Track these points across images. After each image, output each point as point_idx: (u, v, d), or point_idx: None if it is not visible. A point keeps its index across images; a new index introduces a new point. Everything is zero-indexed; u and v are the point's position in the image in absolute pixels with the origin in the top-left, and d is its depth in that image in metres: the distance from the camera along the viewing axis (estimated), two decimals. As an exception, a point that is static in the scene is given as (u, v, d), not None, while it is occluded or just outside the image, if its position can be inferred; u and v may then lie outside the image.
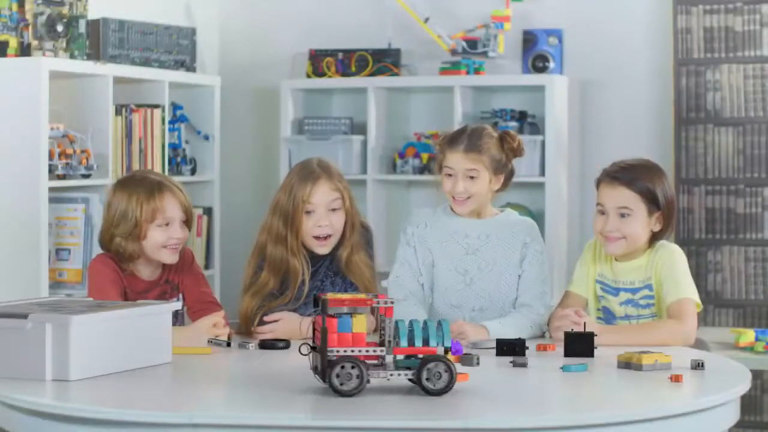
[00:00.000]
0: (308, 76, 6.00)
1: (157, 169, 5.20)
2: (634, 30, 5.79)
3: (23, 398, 2.83)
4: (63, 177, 4.80)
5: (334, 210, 3.81)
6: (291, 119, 5.98)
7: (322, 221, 3.79)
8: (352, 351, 2.84)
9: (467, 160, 3.76)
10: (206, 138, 5.70)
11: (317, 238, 3.81)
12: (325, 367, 2.83)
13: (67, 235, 4.85)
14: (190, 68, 5.55)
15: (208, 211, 5.71)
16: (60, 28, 4.78)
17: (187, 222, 3.77)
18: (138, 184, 3.73)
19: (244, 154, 6.29)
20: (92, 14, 5.01)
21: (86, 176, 4.88)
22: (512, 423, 2.66)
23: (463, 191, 3.77)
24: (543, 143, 5.63)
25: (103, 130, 4.97)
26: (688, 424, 2.83)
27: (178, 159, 5.53)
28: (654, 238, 3.77)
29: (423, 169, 5.78)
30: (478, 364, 2.93)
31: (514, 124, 5.67)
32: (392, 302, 2.89)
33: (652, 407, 2.81)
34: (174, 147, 5.51)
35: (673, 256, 3.75)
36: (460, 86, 5.71)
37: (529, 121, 5.74)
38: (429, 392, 2.82)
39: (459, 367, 2.87)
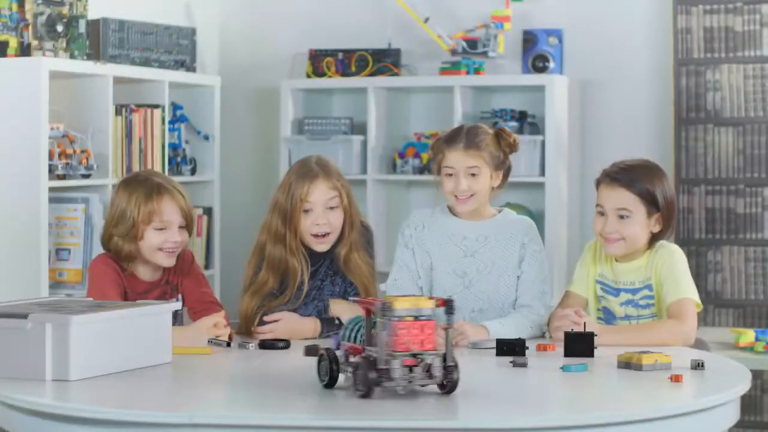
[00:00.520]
0: (308, 76, 6.00)
1: (157, 169, 5.20)
2: (634, 30, 5.79)
3: (23, 398, 2.83)
4: (63, 177, 4.80)
5: (332, 208, 3.81)
6: (291, 119, 5.98)
7: (320, 219, 3.79)
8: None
9: (468, 158, 3.76)
10: (206, 138, 5.70)
11: (315, 236, 3.81)
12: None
13: (67, 235, 4.85)
14: (190, 68, 5.55)
15: (208, 211, 5.71)
16: (60, 28, 4.79)
17: (188, 227, 3.76)
18: (139, 185, 3.73)
19: (244, 154, 6.29)
20: (92, 14, 5.01)
21: (86, 176, 4.88)
22: (512, 423, 2.66)
23: (467, 189, 3.76)
24: (543, 143, 5.63)
25: (103, 130, 4.97)
26: (688, 424, 2.83)
27: (178, 159, 5.53)
28: (654, 238, 3.77)
29: (423, 169, 5.78)
30: None
31: (514, 124, 5.67)
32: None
33: (652, 407, 2.81)
34: (174, 147, 5.51)
35: (673, 257, 3.75)
36: (460, 86, 5.71)
37: (529, 121, 5.74)
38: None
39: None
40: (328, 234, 3.82)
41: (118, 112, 5.08)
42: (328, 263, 3.86)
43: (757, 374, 4.71)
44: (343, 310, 3.75)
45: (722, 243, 5.56)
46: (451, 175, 3.78)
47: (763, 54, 5.52)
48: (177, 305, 3.51)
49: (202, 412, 2.75)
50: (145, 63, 5.31)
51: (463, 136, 3.78)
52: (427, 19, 5.84)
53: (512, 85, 5.81)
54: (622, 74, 5.81)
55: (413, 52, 6.01)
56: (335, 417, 2.69)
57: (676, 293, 3.69)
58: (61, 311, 3.04)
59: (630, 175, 3.74)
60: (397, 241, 3.91)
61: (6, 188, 4.67)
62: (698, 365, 3.19)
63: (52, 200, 4.73)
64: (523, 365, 3.25)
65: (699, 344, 3.73)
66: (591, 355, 3.38)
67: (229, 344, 3.56)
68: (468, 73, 5.75)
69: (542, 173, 5.63)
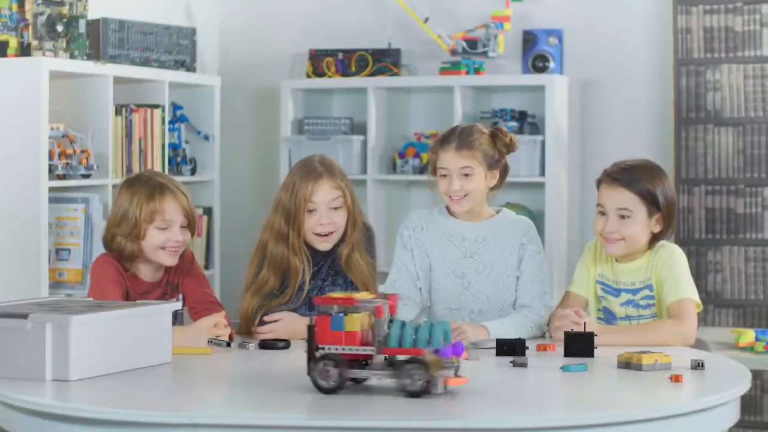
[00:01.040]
0: (308, 76, 6.00)
1: (157, 169, 5.20)
2: (634, 30, 5.79)
3: (23, 398, 2.83)
4: (63, 177, 4.80)
5: (335, 208, 3.81)
6: (291, 119, 5.98)
7: (323, 219, 3.79)
8: (337, 349, 2.84)
9: (460, 158, 3.76)
10: (206, 138, 5.70)
11: (318, 235, 3.81)
12: (309, 364, 2.84)
13: (67, 235, 4.85)
14: (190, 68, 5.55)
15: (208, 211, 5.71)
16: (60, 28, 4.79)
17: (190, 227, 3.77)
18: (142, 184, 3.74)
19: (244, 154, 6.29)
20: (92, 14, 5.01)
21: (86, 176, 4.88)
22: (512, 423, 2.66)
23: (459, 189, 3.76)
24: (543, 143, 5.63)
25: (103, 130, 4.97)
26: (688, 424, 2.83)
27: (178, 159, 5.53)
28: (654, 239, 3.77)
29: (423, 169, 5.78)
30: (477, 359, 2.95)
31: (514, 124, 5.67)
32: (385, 300, 2.89)
33: (652, 407, 2.81)
34: (174, 147, 5.51)
35: (674, 256, 3.75)
36: (460, 86, 5.71)
37: (529, 121, 5.74)
38: (406, 392, 2.80)
39: (463, 369, 2.86)
40: (332, 233, 3.82)
41: (118, 112, 5.08)
42: (330, 263, 3.86)
43: (757, 374, 4.71)
44: None
45: (722, 243, 5.56)
46: (445, 175, 3.78)
47: (763, 54, 5.52)
48: (177, 305, 3.51)
49: (202, 412, 2.75)
50: (145, 63, 5.31)
51: (455, 137, 3.78)
52: (427, 19, 5.84)
53: (512, 85, 5.81)
54: (622, 74, 5.81)
55: (413, 52, 6.01)
56: (335, 417, 2.68)
57: (676, 293, 3.69)
58: (61, 311, 3.04)
59: (631, 175, 3.74)
60: (395, 241, 3.91)
61: (6, 188, 4.67)
62: (698, 365, 3.19)
63: (52, 200, 4.73)
64: (523, 365, 3.25)
65: (699, 344, 3.73)
66: (591, 355, 3.38)
67: (229, 344, 3.56)
68: (468, 73, 5.75)
69: (542, 173, 5.63)
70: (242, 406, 2.82)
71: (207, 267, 5.66)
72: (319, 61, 5.97)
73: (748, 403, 5.32)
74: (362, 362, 2.85)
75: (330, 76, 5.94)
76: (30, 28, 4.74)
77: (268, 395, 2.90)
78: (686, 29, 5.59)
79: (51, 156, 4.72)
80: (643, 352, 3.20)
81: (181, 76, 5.47)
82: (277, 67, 6.21)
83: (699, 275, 5.43)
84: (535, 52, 5.77)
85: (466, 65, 5.75)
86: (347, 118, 5.94)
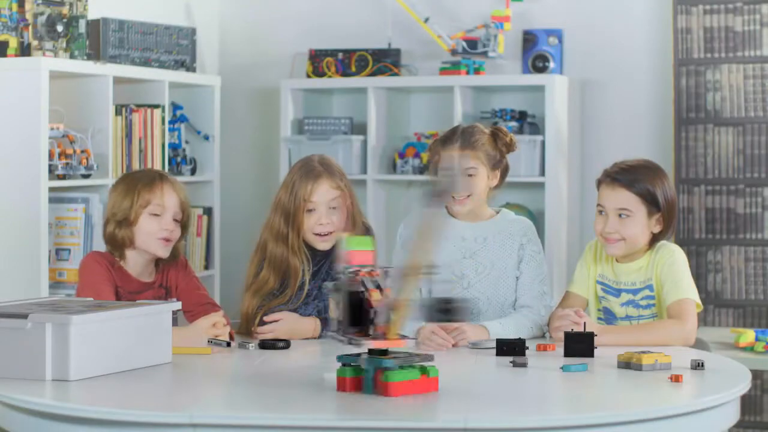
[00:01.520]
0: (308, 76, 6.00)
1: (157, 168, 5.21)
2: (634, 30, 5.79)
3: (23, 398, 2.83)
4: (63, 177, 4.80)
5: (335, 208, 3.81)
6: (291, 119, 5.98)
7: (323, 219, 3.79)
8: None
9: (464, 158, 3.76)
10: (206, 138, 5.70)
11: (318, 235, 3.81)
12: None
13: (67, 235, 4.85)
14: (190, 68, 5.55)
15: (208, 211, 5.71)
16: (60, 28, 4.78)
17: (183, 225, 3.77)
18: (141, 173, 3.81)
19: (244, 154, 6.29)
20: (92, 14, 5.01)
21: (86, 176, 4.87)
22: (512, 423, 2.66)
23: (463, 189, 3.76)
24: (543, 143, 5.63)
25: (103, 130, 4.97)
26: (688, 424, 2.83)
27: (178, 159, 5.53)
28: (654, 239, 3.77)
29: (423, 169, 5.78)
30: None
31: (514, 124, 5.67)
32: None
33: (652, 407, 2.81)
34: (174, 147, 5.51)
35: (674, 256, 3.75)
36: (460, 86, 5.71)
37: (529, 121, 5.74)
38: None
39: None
40: (331, 233, 3.82)
41: (118, 112, 5.08)
42: (330, 263, 3.85)
43: (757, 374, 4.71)
44: None
45: (722, 243, 5.56)
46: (448, 175, 3.78)
47: (763, 54, 5.52)
48: (177, 305, 3.50)
49: (202, 412, 2.75)
50: (145, 63, 5.30)
51: (458, 137, 3.79)
52: (427, 19, 5.84)
53: (512, 85, 5.81)
54: (622, 74, 5.81)
55: (413, 52, 6.01)
56: (335, 417, 2.69)
57: (676, 293, 3.69)
58: (61, 311, 3.04)
59: (631, 175, 3.74)
60: (395, 241, 3.91)
61: (6, 188, 4.67)
62: (698, 365, 3.19)
63: (52, 200, 4.73)
64: (523, 365, 3.25)
65: (699, 344, 3.73)
66: (591, 355, 3.38)
67: (229, 344, 3.56)
68: (468, 73, 5.75)
69: (542, 173, 5.63)
70: (242, 406, 2.82)
71: (207, 267, 5.66)
72: (319, 61, 5.97)
73: (748, 403, 5.32)
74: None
75: (330, 76, 5.94)
76: (30, 28, 4.73)
77: (268, 395, 2.90)
78: (686, 29, 5.59)
79: (51, 156, 4.72)
80: (643, 352, 3.20)
81: (181, 76, 5.47)
82: (277, 67, 6.21)
83: (699, 275, 5.43)
84: (535, 52, 5.77)
85: (466, 65, 5.75)
86: (347, 118, 5.94)
